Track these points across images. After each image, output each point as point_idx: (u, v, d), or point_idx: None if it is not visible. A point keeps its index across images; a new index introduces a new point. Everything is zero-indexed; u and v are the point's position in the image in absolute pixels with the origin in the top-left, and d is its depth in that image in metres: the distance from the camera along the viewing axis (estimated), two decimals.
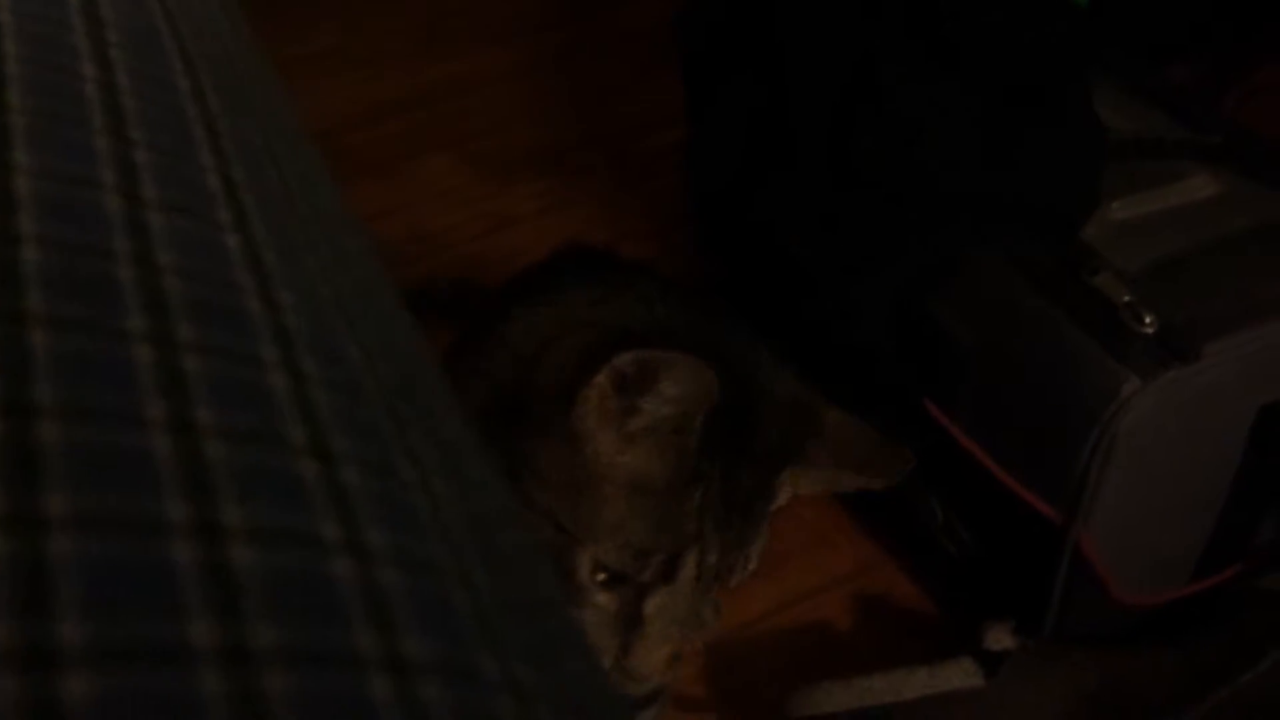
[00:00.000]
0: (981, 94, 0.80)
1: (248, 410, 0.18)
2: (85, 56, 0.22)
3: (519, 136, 1.30)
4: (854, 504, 0.98)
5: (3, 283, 0.17)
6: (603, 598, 0.58)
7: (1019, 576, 0.82)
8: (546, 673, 0.18)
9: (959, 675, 0.76)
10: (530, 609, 0.21)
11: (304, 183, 0.27)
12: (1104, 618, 0.81)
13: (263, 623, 0.15)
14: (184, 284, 0.19)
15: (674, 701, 0.84)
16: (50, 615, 0.13)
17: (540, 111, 1.33)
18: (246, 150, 0.24)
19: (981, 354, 0.79)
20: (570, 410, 0.57)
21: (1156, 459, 0.75)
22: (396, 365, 0.23)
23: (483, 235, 1.19)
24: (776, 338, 1.00)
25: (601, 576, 0.57)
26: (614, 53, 1.38)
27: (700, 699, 0.88)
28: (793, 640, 0.91)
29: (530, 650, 0.18)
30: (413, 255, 1.18)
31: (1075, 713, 0.74)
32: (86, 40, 0.23)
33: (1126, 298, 0.74)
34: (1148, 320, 0.73)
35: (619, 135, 1.30)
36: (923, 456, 0.87)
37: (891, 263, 0.83)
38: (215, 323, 0.19)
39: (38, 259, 0.18)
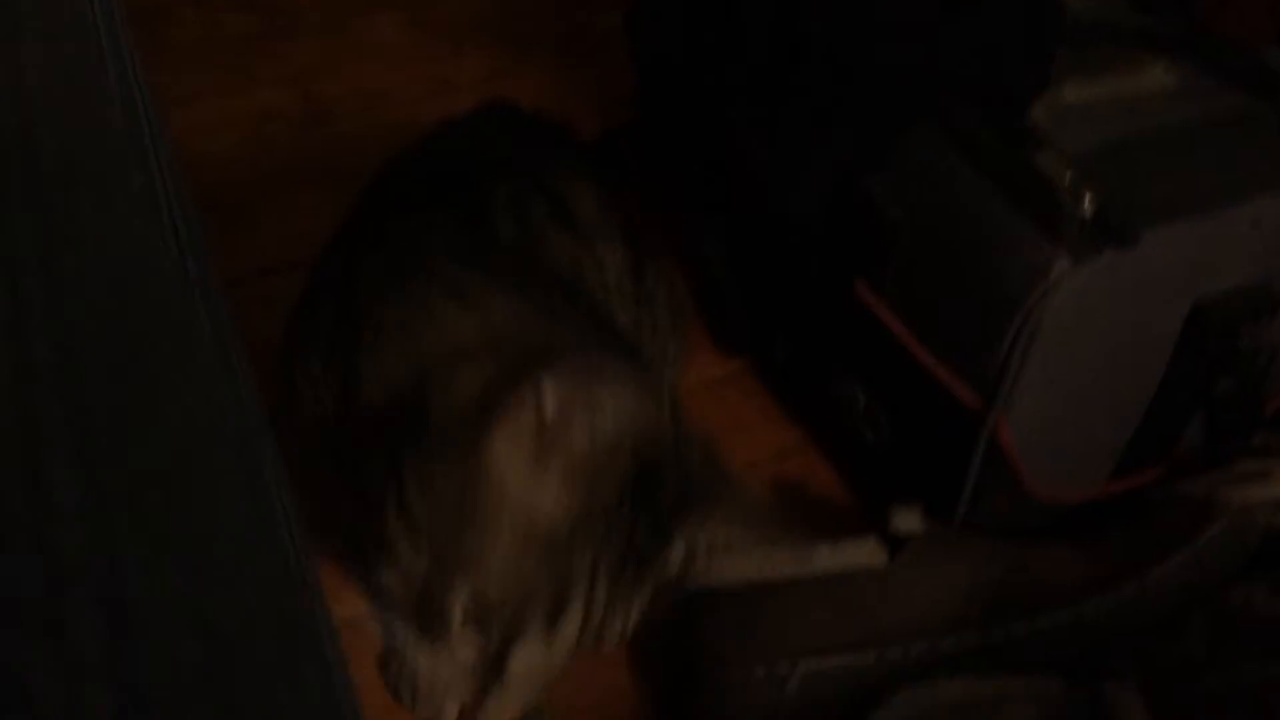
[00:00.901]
0: None
1: None
2: None
3: (472, 2, 1.25)
4: (778, 389, 0.95)
5: None
6: (466, 650, 0.52)
7: (934, 463, 0.80)
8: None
9: (862, 554, 0.74)
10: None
11: None
12: (1016, 510, 0.79)
13: None
14: None
15: None
16: None
17: None
18: None
19: (912, 230, 0.77)
20: (480, 437, 0.50)
21: (1082, 346, 0.72)
22: None
23: (424, 98, 1.15)
24: (713, 210, 0.98)
25: (468, 617, 0.51)
26: None
27: None
28: None
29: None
30: (349, 110, 1.14)
31: (975, 598, 0.72)
32: None
33: (1068, 176, 0.71)
34: (1087, 200, 0.70)
35: (573, 8, 1.25)
36: (851, 339, 0.85)
37: (831, 134, 0.80)
38: None
39: None
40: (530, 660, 0.52)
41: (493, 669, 0.52)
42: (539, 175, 0.80)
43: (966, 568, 0.73)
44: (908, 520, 0.76)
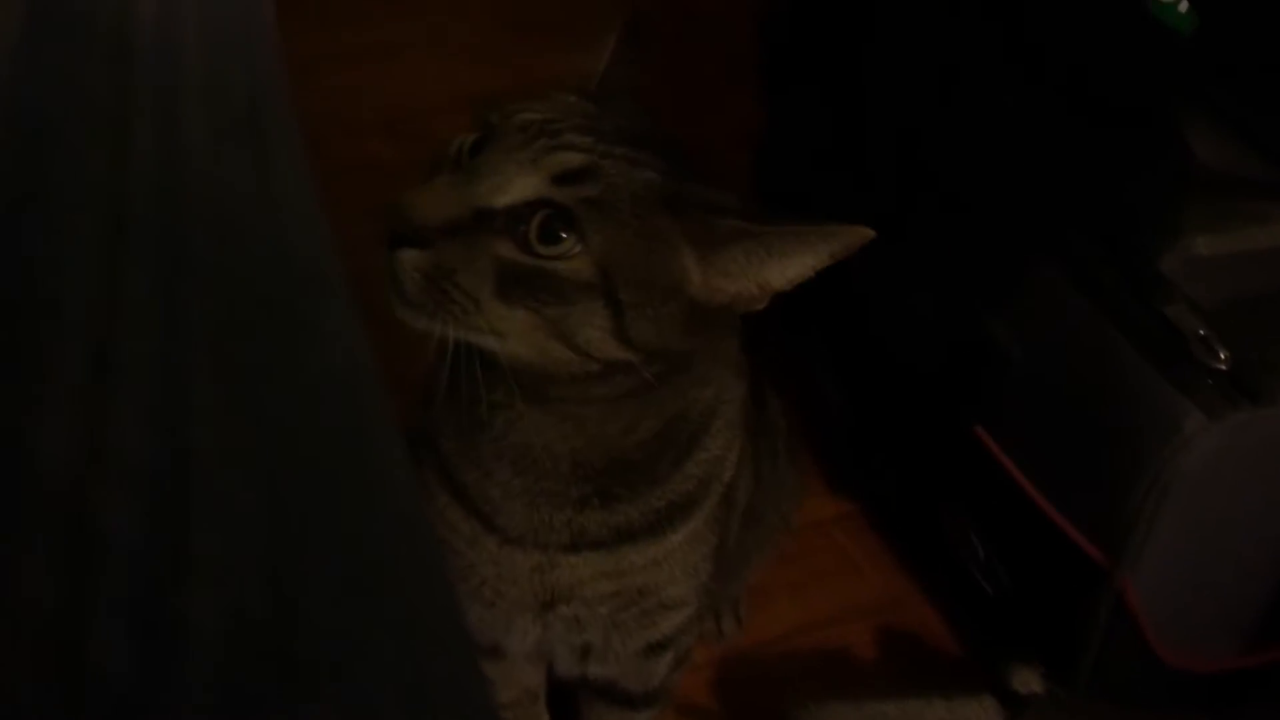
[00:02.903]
0: (1064, 107, 0.77)
1: None
2: None
3: None
4: (889, 532, 0.93)
5: None
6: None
7: (1055, 621, 0.77)
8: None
9: (977, 712, 0.71)
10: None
11: None
12: (1144, 677, 0.75)
13: None
14: None
15: (676, 708, 0.81)
16: None
17: None
18: None
19: (1036, 378, 0.75)
20: None
21: (1216, 506, 0.69)
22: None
23: None
24: (831, 351, 0.98)
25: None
26: (695, 70, 1.38)
27: (704, 710, 0.84)
28: (809, 664, 0.87)
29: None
30: None
31: None
32: None
33: (1200, 330, 0.70)
34: (1221, 355, 0.68)
35: (696, 150, 1.29)
36: (968, 485, 0.83)
37: (953, 274, 0.80)
38: None
39: None
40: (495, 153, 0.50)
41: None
42: None
43: None
44: (1027, 680, 0.73)
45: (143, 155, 0.22)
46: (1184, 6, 0.76)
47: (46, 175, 0.21)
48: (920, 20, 0.82)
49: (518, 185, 0.49)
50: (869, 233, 0.51)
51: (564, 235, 0.49)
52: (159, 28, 0.24)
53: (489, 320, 0.50)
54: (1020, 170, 0.78)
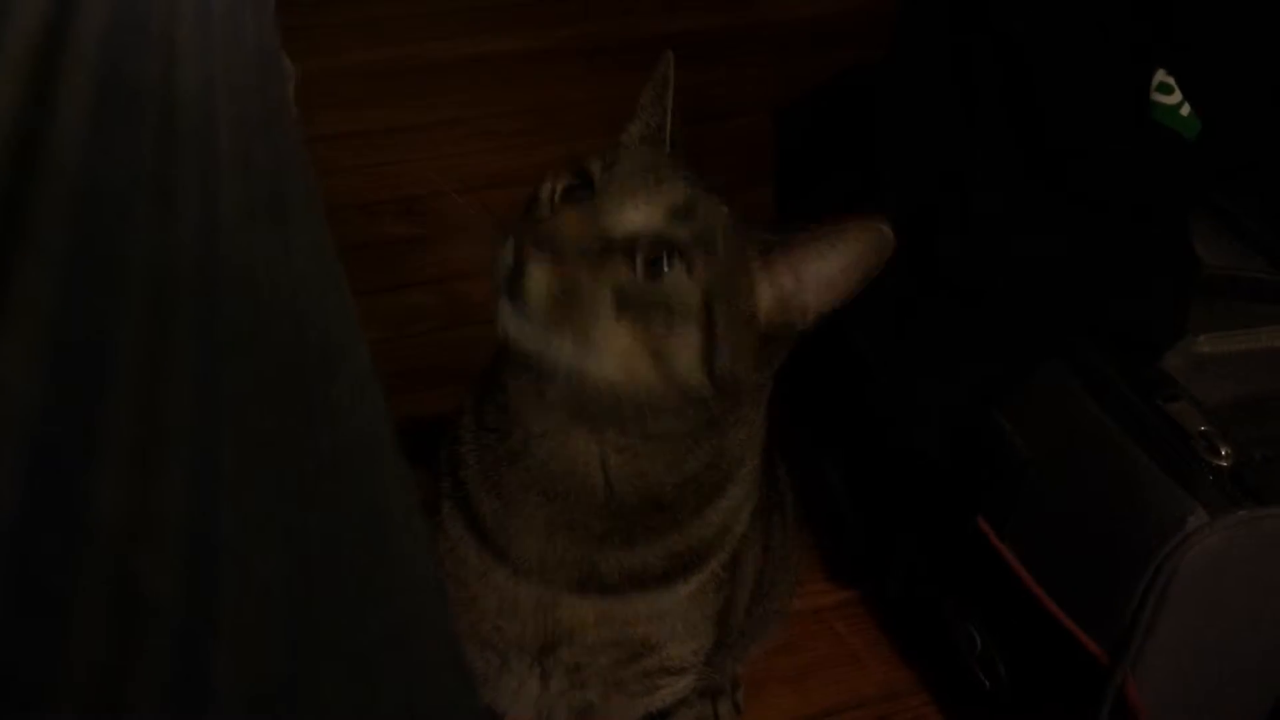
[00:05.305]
0: (1074, 206, 0.78)
1: None
2: None
3: None
4: (889, 621, 0.92)
5: None
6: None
7: (1054, 717, 0.76)
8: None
9: None
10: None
11: None
12: None
13: None
14: None
15: None
16: None
17: None
18: None
19: (1039, 471, 0.75)
20: None
21: (1218, 605, 0.69)
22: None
23: None
24: (834, 435, 0.98)
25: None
26: (715, 166, 1.40)
27: None
28: None
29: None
30: (489, 315, 1.19)
31: None
32: None
33: (1203, 427, 0.70)
34: (1224, 453, 0.69)
35: None
36: (969, 577, 0.82)
37: (960, 366, 0.81)
38: None
39: None
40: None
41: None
42: None
43: None
44: None
45: (186, 229, 0.23)
46: (1186, 110, 0.77)
47: (105, 244, 0.22)
48: (933, 115, 0.83)
49: (638, 218, 0.54)
50: (883, 229, 0.54)
51: (668, 267, 0.54)
52: (198, 105, 0.25)
53: (599, 338, 0.53)
54: (1028, 266, 0.79)
